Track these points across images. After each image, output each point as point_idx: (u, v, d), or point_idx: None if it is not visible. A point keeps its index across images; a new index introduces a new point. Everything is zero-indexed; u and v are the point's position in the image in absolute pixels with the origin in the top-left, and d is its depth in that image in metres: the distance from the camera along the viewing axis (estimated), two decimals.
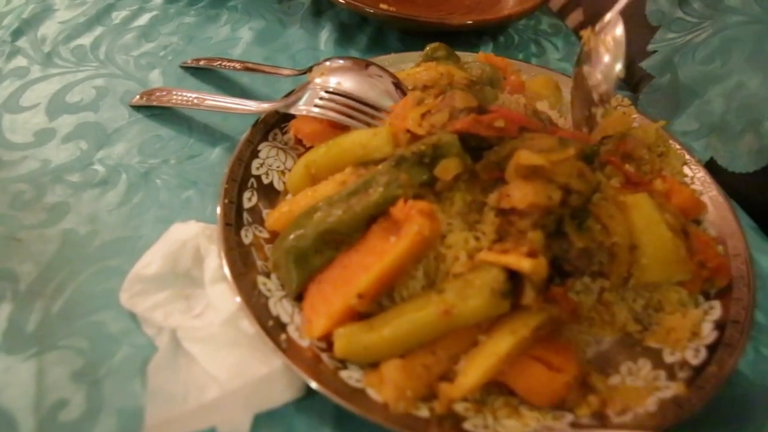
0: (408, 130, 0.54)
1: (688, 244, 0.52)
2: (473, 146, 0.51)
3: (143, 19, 0.91)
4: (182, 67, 0.82)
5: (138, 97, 0.74)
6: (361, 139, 0.55)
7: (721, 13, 0.80)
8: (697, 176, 0.65)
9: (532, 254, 0.44)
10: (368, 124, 0.59)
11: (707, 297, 0.54)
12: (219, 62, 0.79)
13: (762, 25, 0.76)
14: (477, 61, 0.71)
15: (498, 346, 0.44)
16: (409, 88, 0.62)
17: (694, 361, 0.48)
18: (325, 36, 0.92)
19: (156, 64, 0.82)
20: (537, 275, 0.43)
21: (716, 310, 0.52)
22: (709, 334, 0.50)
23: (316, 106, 0.60)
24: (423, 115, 0.54)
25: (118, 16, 0.91)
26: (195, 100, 0.69)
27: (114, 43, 0.85)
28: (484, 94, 0.62)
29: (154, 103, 0.72)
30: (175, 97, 0.71)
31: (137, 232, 0.59)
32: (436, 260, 0.48)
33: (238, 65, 0.77)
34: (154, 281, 0.52)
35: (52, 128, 0.70)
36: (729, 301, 0.52)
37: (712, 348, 0.49)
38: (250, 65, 0.76)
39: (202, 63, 0.80)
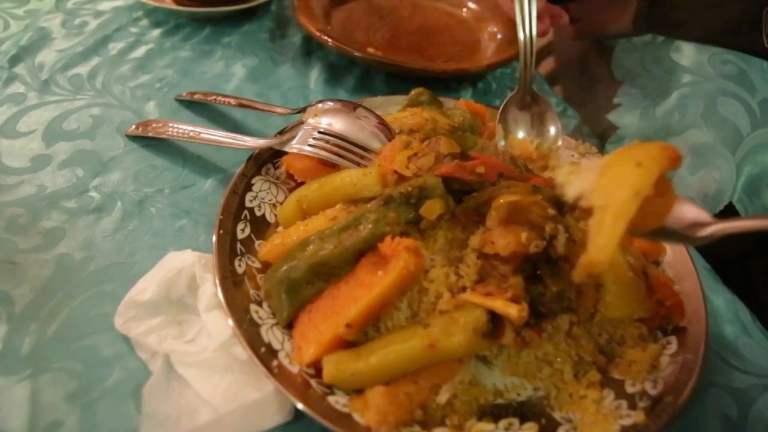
0: (396, 172, 0.58)
1: (647, 284, 0.57)
2: (456, 189, 0.55)
3: (139, 52, 0.95)
4: (177, 99, 0.85)
5: (134, 127, 0.77)
6: (352, 178, 0.59)
7: (678, 72, 0.88)
8: None
9: (515, 300, 0.48)
10: (357, 164, 0.63)
11: (665, 333, 0.58)
12: (214, 97, 0.82)
13: (713, 84, 0.84)
14: (458, 107, 0.77)
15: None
16: (396, 131, 0.67)
17: (653, 392, 0.52)
18: (315, 75, 0.97)
19: (151, 95, 0.85)
20: (520, 320, 0.47)
21: (673, 345, 0.57)
22: (666, 366, 0.55)
23: (309, 145, 0.64)
24: (410, 158, 0.58)
25: (114, 47, 0.95)
26: (191, 133, 0.72)
27: (110, 73, 0.88)
28: (465, 139, 0.67)
29: (151, 134, 0.75)
30: (171, 129, 0.74)
31: (131, 259, 0.61)
32: (419, 293, 0.52)
33: (232, 101, 0.80)
34: (148, 307, 0.54)
35: (48, 154, 0.72)
36: (684, 337, 0.57)
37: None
38: (244, 102, 0.80)
39: (196, 97, 0.84)
